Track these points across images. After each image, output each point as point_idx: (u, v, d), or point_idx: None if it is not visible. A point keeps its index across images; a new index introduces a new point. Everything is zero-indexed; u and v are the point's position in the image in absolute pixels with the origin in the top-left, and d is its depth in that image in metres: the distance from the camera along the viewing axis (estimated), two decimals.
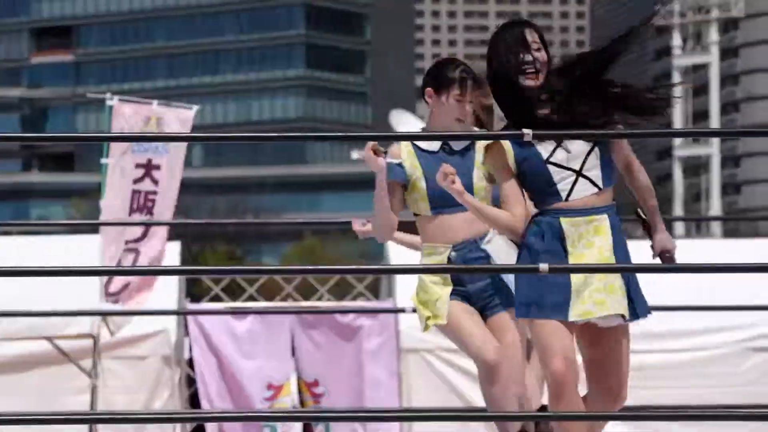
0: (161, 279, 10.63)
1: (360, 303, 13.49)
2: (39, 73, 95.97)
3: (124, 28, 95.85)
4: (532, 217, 5.69)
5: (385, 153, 5.78)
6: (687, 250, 7.29)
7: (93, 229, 10.99)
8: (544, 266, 5.30)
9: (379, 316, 11.70)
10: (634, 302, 5.58)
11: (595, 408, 5.56)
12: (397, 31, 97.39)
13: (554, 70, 5.66)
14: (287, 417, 11.19)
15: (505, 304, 5.94)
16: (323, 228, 71.67)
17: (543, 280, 5.53)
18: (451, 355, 10.93)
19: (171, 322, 11.53)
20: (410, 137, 6.12)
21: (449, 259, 5.89)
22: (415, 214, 6.00)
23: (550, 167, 5.61)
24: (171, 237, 11.58)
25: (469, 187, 5.80)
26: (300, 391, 11.99)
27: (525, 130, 5.31)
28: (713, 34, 70.60)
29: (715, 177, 45.29)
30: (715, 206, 44.71)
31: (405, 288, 10.61)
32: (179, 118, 10.72)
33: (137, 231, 10.41)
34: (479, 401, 10.39)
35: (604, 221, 5.62)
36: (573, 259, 5.56)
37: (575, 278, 5.53)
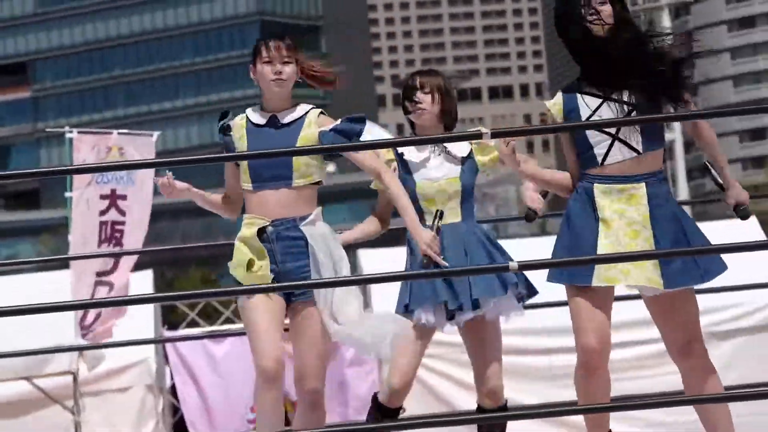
0: (137, 309, 10.54)
1: None
2: None
3: (80, 60, 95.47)
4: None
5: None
6: None
7: (64, 264, 10.87)
8: (513, 264, 5.23)
9: None
10: (672, 270, 5.32)
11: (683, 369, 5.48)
12: (352, 40, 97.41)
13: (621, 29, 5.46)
14: None
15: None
16: None
17: (575, 245, 5.38)
18: (434, 362, 10.90)
19: (150, 351, 11.46)
20: (375, 145, 6.10)
21: (265, 231, 5.82)
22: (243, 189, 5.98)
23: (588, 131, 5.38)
24: (143, 265, 11.50)
25: (288, 162, 5.83)
26: (285, 411, 11.92)
27: (483, 129, 5.20)
28: (666, 20, 70.92)
29: (679, 162, 45.49)
30: (683, 191, 44.94)
31: (381, 297, 10.57)
32: (141, 145, 10.67)
33: (108, 263, 10.32)
34: (465, 406, 10.38)
35: (639, 189, 5.39)
36: (603, 227, 5.36)
37: (603, 244, 5.34)
